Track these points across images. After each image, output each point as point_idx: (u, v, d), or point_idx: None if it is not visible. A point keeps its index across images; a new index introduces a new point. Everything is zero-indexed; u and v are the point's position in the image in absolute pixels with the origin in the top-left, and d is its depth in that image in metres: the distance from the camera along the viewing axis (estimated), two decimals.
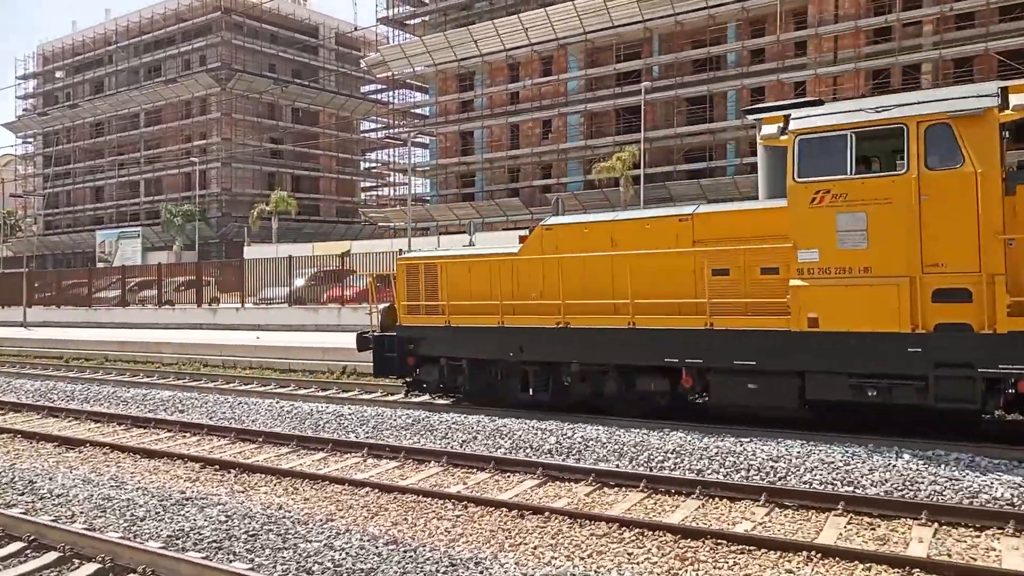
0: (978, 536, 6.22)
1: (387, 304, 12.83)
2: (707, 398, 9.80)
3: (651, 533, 6.38)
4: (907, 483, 7.21)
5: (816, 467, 7.71)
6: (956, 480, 7.14)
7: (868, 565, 5.59)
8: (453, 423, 10.26)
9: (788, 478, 7.63)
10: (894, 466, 7.56)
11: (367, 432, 10.29)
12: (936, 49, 37.55)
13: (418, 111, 62.60)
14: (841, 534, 6.36)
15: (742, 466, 7.95)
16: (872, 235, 8.23)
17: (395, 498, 7.57)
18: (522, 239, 11.57)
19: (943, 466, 7.47)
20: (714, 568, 5.71)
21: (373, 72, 60.01)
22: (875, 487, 7.23)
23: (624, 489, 7.75)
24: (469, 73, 53.31)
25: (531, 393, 11.00)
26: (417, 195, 57.61)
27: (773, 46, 42.71)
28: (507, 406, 11.13)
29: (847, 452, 8.00)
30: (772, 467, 7.84)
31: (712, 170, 44.23)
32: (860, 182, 8.41)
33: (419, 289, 11.96)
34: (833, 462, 7.76)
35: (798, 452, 8.08)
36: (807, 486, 7.43)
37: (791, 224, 8.74)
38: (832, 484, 7.40)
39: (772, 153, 9.45)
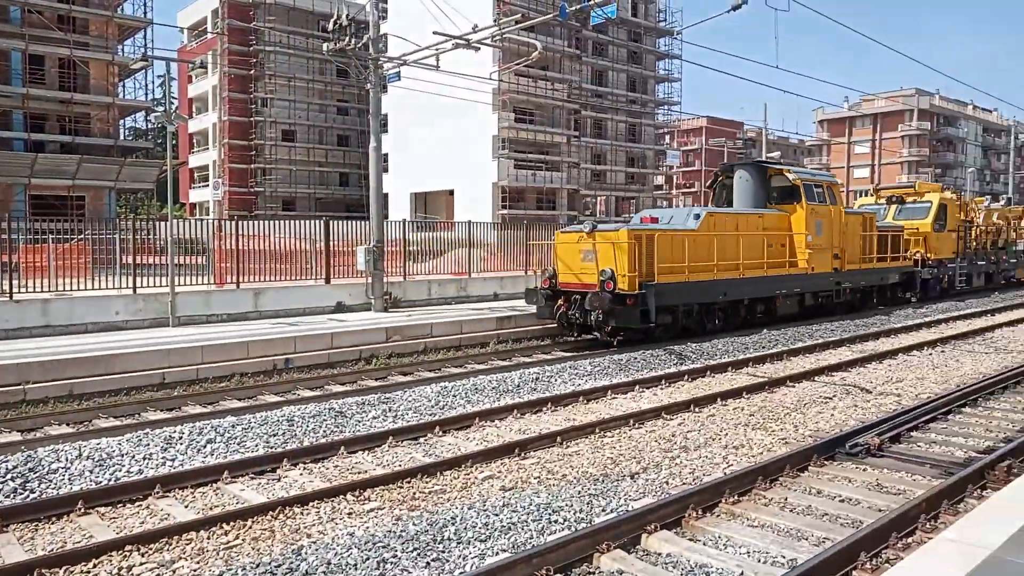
0: None
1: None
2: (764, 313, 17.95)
3: None
4: None
5: None
6: None
7: None
8: None
9: None
10: None
11: None
12: None
13: None
14: None
15: None
16: (822, 231, 18.69)
17: None
18: (650, 219, 16.32)
19: None
20: None
21: None
22: None
23: None
24: None
25: (719, 323, 16.85)
26: None
27: None
28: (706, 334, 16.23)
29: None
30: None
31: None
32: (818, 206, 18.70)
33: (637, 255, 14.60)
34: None
35: None
36: None
37: (804, 222, 18.24)
38: None
39: (750, 183, 18.59)
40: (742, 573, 5.15)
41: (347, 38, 16.69)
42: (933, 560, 4.12)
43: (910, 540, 5.56)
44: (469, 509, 6.31)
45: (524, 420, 9.65)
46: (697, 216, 16.39)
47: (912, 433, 8.54)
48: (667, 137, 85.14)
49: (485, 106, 53.06)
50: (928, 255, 24.43)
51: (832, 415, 9.68)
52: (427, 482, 7.23)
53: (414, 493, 6.95)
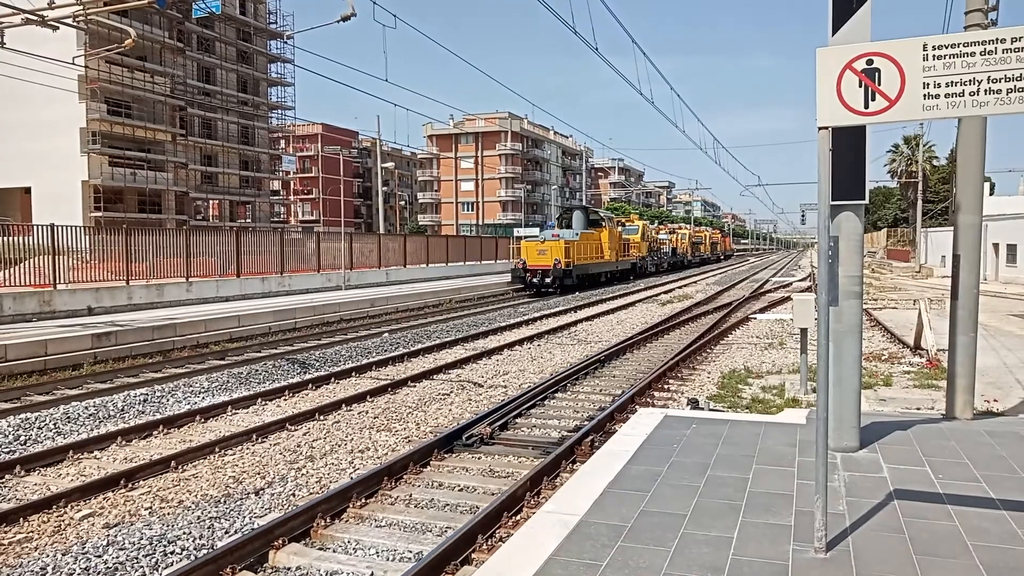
0: None
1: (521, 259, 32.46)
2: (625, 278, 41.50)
3: None
4: None
5: None
6: None
7: None
8: None
9: None
10: None
11: None
12: None
13: None
14: None
15: None
16: (613, 241, 39.32)
17: None
18: (556, 234, 32.66)
19: None
20: None
21: None
22: None
23: None
24: None
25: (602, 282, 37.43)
26: None
27: None
28: (596, 287, 35.93)
29: None
30: None
31: None
32: (610, 228, 38.98)
33: (568, 251, 31.25)
34: None
35: None
36: None
37: (608, 237, 37.92)
38: None
39: (581, 217, 36.55)
40: (372, 574, 5.23)
41: None
42: (537, 532, 4.62)
43: (519, 517, 6.17)
44: (64, 555, 5.48)
45: (131, 447, 8.68)
46: (576, 234, 33.60)
47: (517, 420, 9.49)
48: (282, 142, 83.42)
49: (70, 94, 46.69)
50: (639, 254, 45.96)
51: (451, 410, 10.34)
52: (7, 532, 6.11)
53: None
